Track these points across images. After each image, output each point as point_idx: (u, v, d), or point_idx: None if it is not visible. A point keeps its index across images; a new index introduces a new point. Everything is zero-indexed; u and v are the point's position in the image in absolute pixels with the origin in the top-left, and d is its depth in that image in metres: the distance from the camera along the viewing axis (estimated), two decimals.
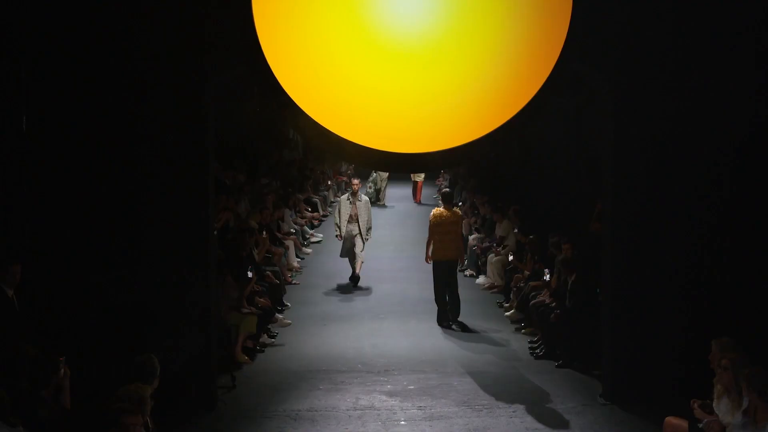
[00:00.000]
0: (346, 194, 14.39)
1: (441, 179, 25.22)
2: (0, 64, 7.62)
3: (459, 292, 11.64)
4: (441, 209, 11.85)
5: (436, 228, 11.47)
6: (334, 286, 13.76)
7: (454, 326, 11.31)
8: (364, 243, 13.60)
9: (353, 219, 13.48)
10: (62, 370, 5.80)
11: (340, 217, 13.62)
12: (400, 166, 7.66)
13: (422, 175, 23.34)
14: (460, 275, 13.04)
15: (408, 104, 7.22)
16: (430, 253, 11.62)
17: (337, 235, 13.79)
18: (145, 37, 7.68)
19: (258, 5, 7.00)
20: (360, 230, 13.47)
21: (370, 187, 22.37)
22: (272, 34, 7.04)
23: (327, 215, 20.51)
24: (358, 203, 13.64)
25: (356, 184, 14.37)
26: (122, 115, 7.74)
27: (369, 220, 13.72)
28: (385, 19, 7.07)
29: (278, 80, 7.10)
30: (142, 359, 6.09)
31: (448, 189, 15.65)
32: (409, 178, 24.75)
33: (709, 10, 7.95)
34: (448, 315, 11.43)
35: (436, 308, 11.49)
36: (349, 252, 13.60)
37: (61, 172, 7.74)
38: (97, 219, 7.77)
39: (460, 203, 18.66)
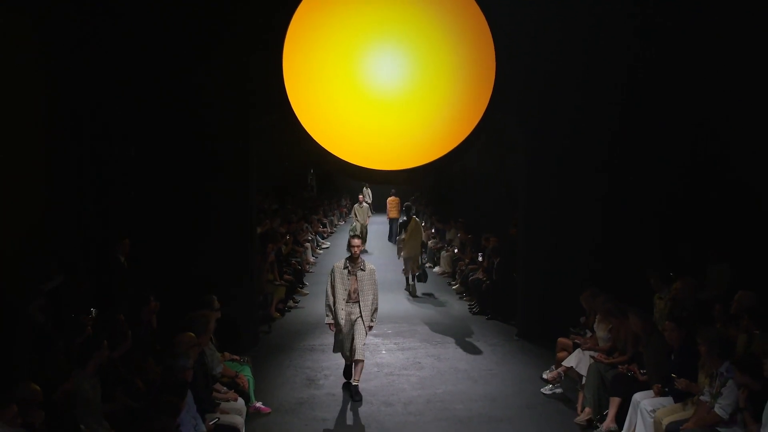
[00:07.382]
0: (342, 260, 6.68)
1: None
2: (120, 118, 7.80)
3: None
4: (392, 197, 18.10)
5: (390, 204, 17.95)
6: None
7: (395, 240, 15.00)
8: (366, 332, 6.61)
9: (352, 297, 6.52)
10: (151, 303, 5.93)
11: (334, 295, 6.53)
12: (379, 178, 7.86)
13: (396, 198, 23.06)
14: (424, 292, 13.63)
15: (385, 138, 7.43)
16: (388, 215, 18.03)
17: (328, 324, 6.66)
18: (212, 106, 7.87)
19: (288, 75, 7.26)
20: (362, 313, 6.51)
21: (351, 233, 21.02)
22: (296, 91, 7.28)
23: (333, 231, 20.60)
24: (359, 273, 6.56)
25: (357, 246, 6.69)
26: (198, 154, 7.91)
27: (375, 298, 6.65)
28: (371, 81, 7.31)
29: (300, 122, 7.36)
30: (207, 297, 6.22)
31: (394, 191, 19.20)
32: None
33: (601, 69, 8.08)
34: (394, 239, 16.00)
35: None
36: (343, 345, 6.61)
37: (159, 188, 7.88)
38: (183, 221, 7.88)
39: (423, 223, 19.03)
